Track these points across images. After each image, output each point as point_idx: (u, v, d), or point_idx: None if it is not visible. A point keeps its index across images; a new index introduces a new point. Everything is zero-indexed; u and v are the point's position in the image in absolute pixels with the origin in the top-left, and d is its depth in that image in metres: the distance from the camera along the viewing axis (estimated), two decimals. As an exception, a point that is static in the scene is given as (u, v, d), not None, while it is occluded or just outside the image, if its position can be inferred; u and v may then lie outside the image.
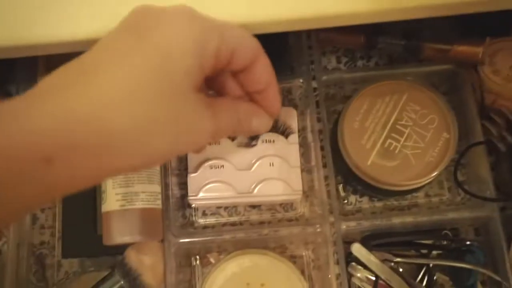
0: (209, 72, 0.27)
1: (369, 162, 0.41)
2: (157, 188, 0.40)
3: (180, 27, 0.25)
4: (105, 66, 0.24)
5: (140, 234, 0.38)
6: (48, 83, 0.24)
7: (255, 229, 0.42)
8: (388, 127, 0.41)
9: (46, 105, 0.22)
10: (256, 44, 0.29)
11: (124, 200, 0.38)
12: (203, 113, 0.27)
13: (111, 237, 0.38)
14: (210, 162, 0.44)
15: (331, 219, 0.41)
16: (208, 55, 0.26)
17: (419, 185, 0.40)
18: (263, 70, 0.30)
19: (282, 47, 0.46)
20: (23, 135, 0.21)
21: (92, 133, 0.22)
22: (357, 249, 0.41)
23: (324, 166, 0.42)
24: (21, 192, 0.22)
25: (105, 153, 0.23)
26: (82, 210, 0.43)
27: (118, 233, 0.38)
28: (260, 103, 0.32)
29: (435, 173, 0.40)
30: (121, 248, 0.40)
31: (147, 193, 0.39)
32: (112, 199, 0.39)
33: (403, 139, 0.41)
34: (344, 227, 0.40)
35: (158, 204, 0.40)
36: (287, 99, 0.48)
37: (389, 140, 0.41)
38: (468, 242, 0.42)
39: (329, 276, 0.39)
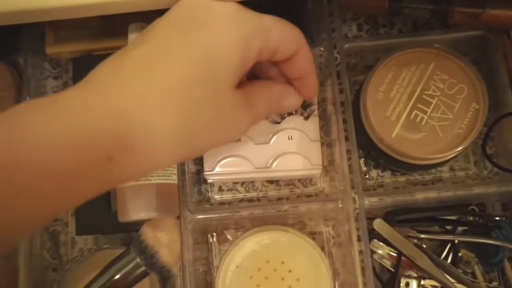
0: (250, 68, 0.28)
1: (393, 135, 0.39)
2: (172, 163, 0.39)
3: (227, 28, 0.26)
4: (157, 68, 0.24)
5: (156, 211, 0.37)
6: (102, 77, 0.25)
7: (273, 205, 0.40)
8: (414, 98, 0.39)
9: (106, 103, 0.23)
10: (298, 37, 0.30)
11: (139, 175, 0.37)
12: (242, 110, 0.28)
13: (126, 213, 0.37)
14: (226, 136, 0.42)
15: (353, 194, 0.39)
16: (252, 55, 0.27)
17: (446, 158, 0.39)
18: (303, 60, 0.31)
19: (302, 12, 0.43)
20: (89, 133, 0.23)
21: (145, 137, 0.24)
22: (380, 225, 0.40)
23: (346, 139, 0.40)
24: (81, 186, 0.23)
25: (153, 154, 0.25)
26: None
27: (134, 209, 0.37)
28: (297, 88, 0.33)
29: (463, 146, 0.38)
30: (136, 225, 0.39)
31: (162, 168, 0.38)
32: (126, 175, 0.37)
33: (430, 110, 0.39)
34: (367, 202, 0.39)
35: (174, 179, 0.39)
36: (306, 70, 0.46)
37: (415, 111, 0.39)
38: (496, 218, 0.41)
39: (352, 253, 0.38)
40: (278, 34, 0.28)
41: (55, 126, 0.22)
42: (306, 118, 0.42)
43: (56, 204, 0.23)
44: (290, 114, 0.42)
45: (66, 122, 0.22)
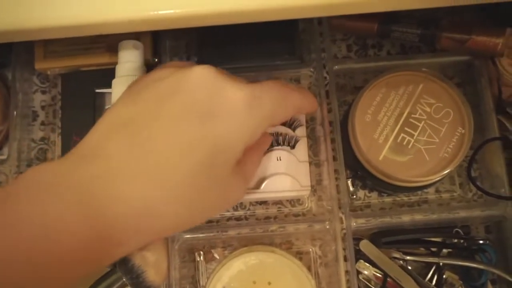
0: None
1: (381, 157, 0.39)
2: (160, 182, 0.39)
3: (239, 122, 0.27)
4: (171, 159, 0.25)
5: None
6: (109, 165, 0.25)
7: (261, 225, 0.41)
8: (401, 121, 0.40)
9: (118, 189, 0.24)
10: (297, 108, 0.33)
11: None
12: (240, 184, 0.30)
13: None
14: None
15: (340, 214, 0.40)
16: (256, 137, 0.29)
17: (431, 181, 0.39)
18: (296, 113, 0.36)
19: (292, 32, 0.44)
20: (104, 220, 0.23)
21: (151, 222, 0.25)
22: (366, 246, 0.40)
23: (334, 159, 0.40)
24: (87, 270, 0.24)
25: (155, 234, 0.27)
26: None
27: None
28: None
29: (449, 170, 0.38)
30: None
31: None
32: (113, 194, 0.37)
33: (417, 133, 0.39)
34: (354, 224, 0.39)
35: (161, 199, 0.39)
36: (295, 89, 0.46)
37: (402, 134, 0.39)
38: (480, 241, 0.41)
39: (338, 273, 0.38)
40: (283, 116, 0.31)
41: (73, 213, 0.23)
42: (293, 147, 0.42)
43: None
44: (278, 144, 0.42)
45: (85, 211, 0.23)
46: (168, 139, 0.25)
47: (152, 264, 0.38)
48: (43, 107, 0.47)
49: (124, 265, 0.38)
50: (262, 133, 0.29)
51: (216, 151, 0.26)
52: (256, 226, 0.40)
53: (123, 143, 0.25)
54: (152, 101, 0.26)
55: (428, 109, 0.40)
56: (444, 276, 0.41)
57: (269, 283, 0.39)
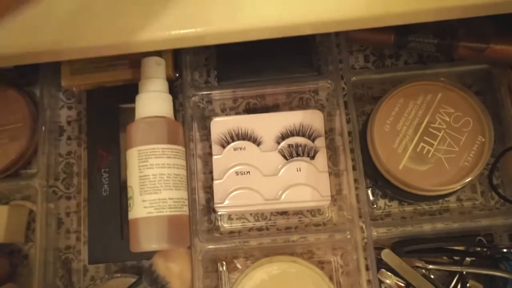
0: None
1: (400, 167, 0.39)
2: (183, 194, 0.40)
3: None
4: None
5: (168, 242, 0.38)
6: None
7: (282, 235, 0.41)
8: (420, 131, 0.40)
9: None
10: None
11: (151, 207, 0.38)
12: None
13: (138, 244, 0.38)
14: (236, 169, 0.43)
15: (361, 224, 0.40)
16: None
17: (452, 190, 0.39)
18: None
19: (309, 45, 0.44)
20: None
21: None
22: (388, 256, 0.40)
23: (353, 169, 0.41)
24: None
25: None
26: (108, 216, 0.43)
27: (146, 240, 0.38)
28: None
29: (469, 178, 0.38)
30: (147, 253, 0.40)
31: (174, 200, 0.39)
32: (139, 206, 0.38)
33: (436, 142, 0.40)
34: (375, 233, 0.39)
35: (185, 210, 0.40)
36: (314, 100, 0.47)
37: (421, 144, 0.40)
38: (504, 250, 0.41)
39: (360, 282, 0.38)
40: None
41: None
42: (312, 157, 0.43)
43: None
44: (297, 155, 0.43)
45: None
46: None
47: (177, 275, 0.39)
48: (69, 122, 0.48)
49: (149, 276, 0.39)
50: None
51: None
52: (277, 236, 0.40)
53: None
54: None
55: (447, 118, 0.40)
56: (467, 285, 0.41)
57: (292, 293, 0.39)
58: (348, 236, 0.40)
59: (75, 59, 0.45)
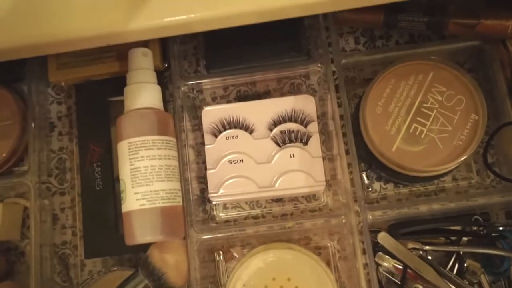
0: None
1: (394, 148, 0.39)
2: (176, 185, 0.39)
3: None
4: None
5: (162, 234, 0.38)
6: None
7: (278, 222, 0.41)
8: (413, 111, 0.39)
9: None
10: None
11: (144, 199, 0.37)
12: None
13: (132, 237, 0.38)
14: (229, 157, 0.43)
15: (356, 208, 0.40)
16: None
17: (447, 170, 0.39)
18: None
19: (297, 29, 0.44)
20: None
21: None
22: (384, 238, 0.40)
23: (347, 153, 0.40)
24: None
25: None
26: (102, 210, 0.43)
27: (140, 233, 0.38)
28: None
29: (464, 157, 0.38)
30: (143, 246, 0.40)
31: (166, 191, 0.38)
32: (131, 199, 0.38)
33: (429, 122, 0.39)
34: (370, 216, 0.39)
35: (178, 201, 0.39)
36: (305, 85, 0.46)
37: (414, 125, 0.39)
38: (500, 228, 0.41)
39: (357, 266, 0.38)
40: None
41: None
42: (305, 143, 0.42)
43: None
44: (290, 141, 0.42)
45: None
46: None
47: (173, 266, 0.39)
48: (59, 118, 0.48)
49: (145, 268, 0.39)
50: None
51: None
52: (273, 223, 0.40)
53: None
54: None
55: (439, 98, 0.40)
56: (465, 265, 0.40)
57: (289, 279, 0.39)
58: (344, 221, 0.40)
59: (61, 53, 0.45)
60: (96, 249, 0.43)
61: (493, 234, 0.41)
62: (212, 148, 0.43)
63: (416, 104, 0.40)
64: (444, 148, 0.39)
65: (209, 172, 0.43)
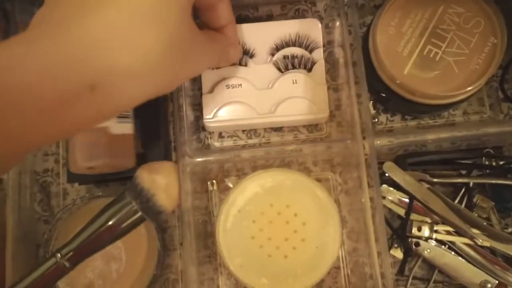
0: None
1: (405, 72, 0.36)
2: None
3: None
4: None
5: (107, 157, 0.35)
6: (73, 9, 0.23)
7: (276, 146, 0.38)
8: (427, 33, 0.37)
9: (81, 33, 0.22)
10: None
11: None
12: (204, 42, 0.29)
13: (75, 163, 0.35)
14: (226, 81, 0.40)
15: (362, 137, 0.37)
16: None
17: (462, 96, 0.36)
18: (225, 9, 0.33)
19: None
20: (70, 61, 0.22)
21: (125, 64, 0.23)
22: (390, 168, 0.38)
23: (355, 82, 0.37)
24: (62, 117, 0.23)
25: (135, 81, 0.24)
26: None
27: (82, 158, 0.35)
28: None
29: (480, 82, 0.36)
30: (131, 172, 0.37)
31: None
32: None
33: (445, 45, 0.36)
34: (378, 142, 0.36)
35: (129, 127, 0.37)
36: (311, 11, 0.43)
37: (428, 47, 0.36)
38: (513, 160, 0.38)
39: (363, 200, 0.35)
40: None
41: (37, 55, 0.22)
42: (309, 70, 0.40)
43: (35, 135, 0.23)
44: (293, 67, 0.39)
45: (47, 52, 0.22)
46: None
47: (163, 188, 0.36)
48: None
49: (133, 189, 0.36)
50: None
51: None
52: (271, 148, 0.37)
53: None
54: None
55: (456, 19, 0.37)
56: (474, 200, 0.38)
57: (287, 206, 0.36)
58: (348, 147, 0.37)
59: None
60: (80, 174, 0.39)
61: (505, 167, 0.38)
62: (208, 72, 0.40)
63: (432, 25, 0.37)
64: (459, 72, 0.36)
65: (204, 96, 0.40)
